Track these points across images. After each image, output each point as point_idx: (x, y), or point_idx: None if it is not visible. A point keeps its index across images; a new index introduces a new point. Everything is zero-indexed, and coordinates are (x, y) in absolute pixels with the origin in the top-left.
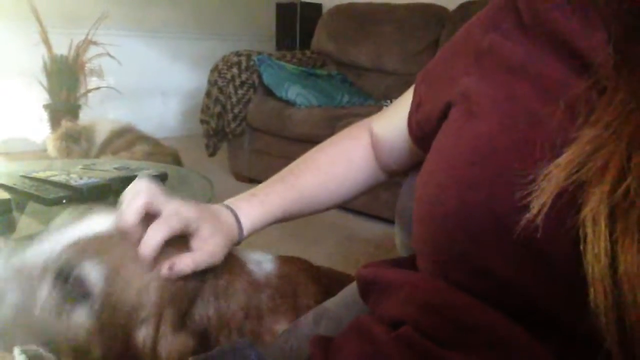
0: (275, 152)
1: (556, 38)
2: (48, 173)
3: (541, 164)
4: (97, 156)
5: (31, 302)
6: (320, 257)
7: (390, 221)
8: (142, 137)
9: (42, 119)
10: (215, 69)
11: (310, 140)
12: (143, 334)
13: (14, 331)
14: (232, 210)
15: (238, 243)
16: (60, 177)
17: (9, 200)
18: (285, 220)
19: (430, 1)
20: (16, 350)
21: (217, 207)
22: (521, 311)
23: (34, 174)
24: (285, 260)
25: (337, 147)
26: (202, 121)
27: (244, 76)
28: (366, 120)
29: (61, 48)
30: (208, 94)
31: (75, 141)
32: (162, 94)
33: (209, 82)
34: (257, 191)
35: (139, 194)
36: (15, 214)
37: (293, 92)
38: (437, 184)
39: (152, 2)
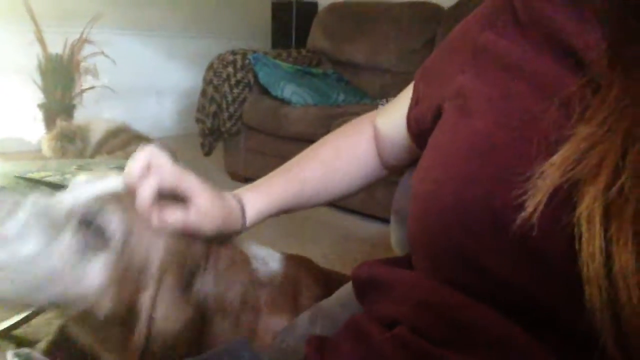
0: (270, 151)
1: (552, 36)
2: (42, 174)
3: (537, 162)
4: (92, 156)
5: (52, 246)
6: (316, 256)
7: (386, 220)
8: (138, 137)
9: (37, 118)
10: (210, 68)
11: (305, 139)
12: (148, 292)
13: (29, 280)
14: (238, 199)
15: (240, 232)
16: (55, 178)
17: None
18: (289, 211)
19: None
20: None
21: (224, 192)
22: (519, 309)
23: (29, 175)
24: (291, 260)
25: (342, 141)
26: (197, 120)
27: (239, 75)
28: (371, 114)
29: (56, 47)
30: (203, 93)
31: (70, 141)
32: (157, 93)
33: (205, 81)
34: (261, 183)
35: (143, 152)
36: None
37: (288, 90)
38: (433, 180)
39: (147, 0)
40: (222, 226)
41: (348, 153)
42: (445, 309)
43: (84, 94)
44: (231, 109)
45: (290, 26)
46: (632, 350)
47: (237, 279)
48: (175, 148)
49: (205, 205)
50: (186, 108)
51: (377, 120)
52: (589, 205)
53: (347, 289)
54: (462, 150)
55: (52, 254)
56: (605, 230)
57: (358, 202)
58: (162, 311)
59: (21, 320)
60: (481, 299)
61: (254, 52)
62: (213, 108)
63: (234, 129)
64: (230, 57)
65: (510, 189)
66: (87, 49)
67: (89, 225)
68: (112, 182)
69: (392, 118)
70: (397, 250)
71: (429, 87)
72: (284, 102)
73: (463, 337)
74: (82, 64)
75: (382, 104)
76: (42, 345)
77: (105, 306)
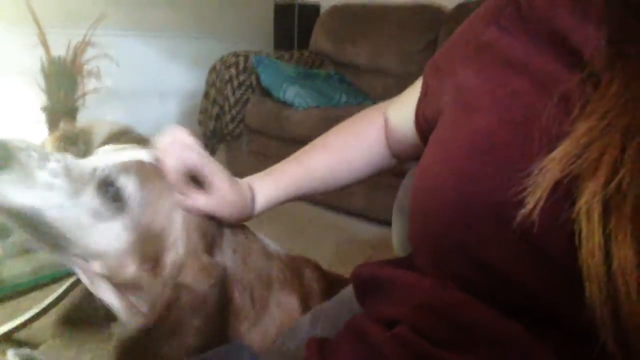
0: (273, 153)
1: (553, 33)
2: None
3: (538, 158)
4: None
5: (77, 199)
6: (318, 259)
7: (387, 223)
8: (141, 139)
9: (40, 121)
10: (213, 70)
11: (308, 141)
12: (171, 258)
13: (57, 227)
14: (249, 187)
15: (249, 218)
16: None
17: None
18: (298, 198)
19: (428, 1)
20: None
21: (238, 180)
22: (520, 307)
23: None
24: (295, 256)
25: (352, 129)
26: (200, 122)
27: (241, 77)
28: (382, 104)
29: (59, 49)
30: (206, 95)
31: (73, 143)
32: (160, 95)
33: (207, 83)
34: (271, 171)
35: (173, 129)
36: None
37: (291, 92)
38: (435, 176)
39: (150, 2)
40: (237, 213)
41: (358, 142)
42: (446, 309)
43: (87, 97)
44: (233, 111)
45: (292, 28)
46: (631, 347)
47: (252, 250)
48: None
49: (226, 193)
50: (189, 110)
51: (388, 111)
52: (588, 201)
53: (347, 290)
54: (463, 148)
55: (77, 207)
56: (604, 225)
57: (360, 205)
58: (189, 272)
59: (22, 323)
60: (482, 297)
61: (257, 53)
62: (215, 110)
63: (236, 131)
64: (233, 59)
65: (511, 186)
66: (90, 52)
67: (109, 188)
68: (138, 153)
69: (403, 111)
70: (399, 253)
71: (437, 80)
72: (286, 104)
73: (464, 337)
74: (85, 67)
75: None
76: (43, 347)
77: (130, 268)
